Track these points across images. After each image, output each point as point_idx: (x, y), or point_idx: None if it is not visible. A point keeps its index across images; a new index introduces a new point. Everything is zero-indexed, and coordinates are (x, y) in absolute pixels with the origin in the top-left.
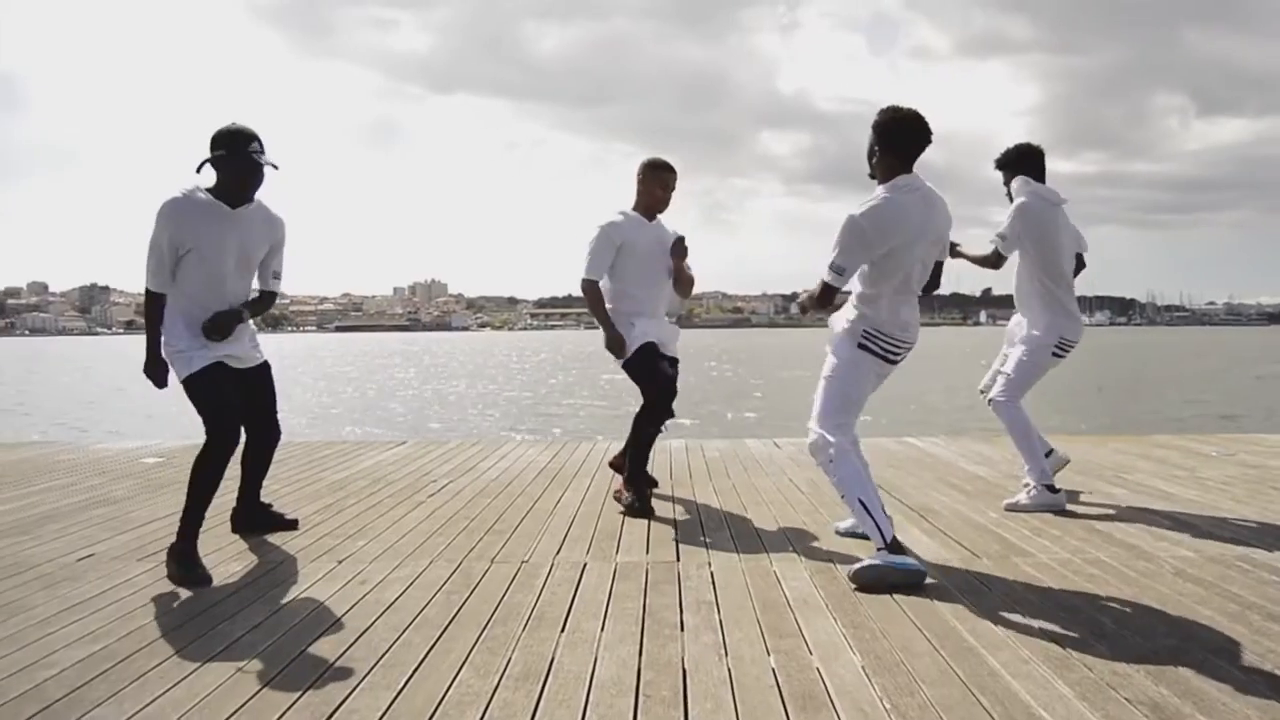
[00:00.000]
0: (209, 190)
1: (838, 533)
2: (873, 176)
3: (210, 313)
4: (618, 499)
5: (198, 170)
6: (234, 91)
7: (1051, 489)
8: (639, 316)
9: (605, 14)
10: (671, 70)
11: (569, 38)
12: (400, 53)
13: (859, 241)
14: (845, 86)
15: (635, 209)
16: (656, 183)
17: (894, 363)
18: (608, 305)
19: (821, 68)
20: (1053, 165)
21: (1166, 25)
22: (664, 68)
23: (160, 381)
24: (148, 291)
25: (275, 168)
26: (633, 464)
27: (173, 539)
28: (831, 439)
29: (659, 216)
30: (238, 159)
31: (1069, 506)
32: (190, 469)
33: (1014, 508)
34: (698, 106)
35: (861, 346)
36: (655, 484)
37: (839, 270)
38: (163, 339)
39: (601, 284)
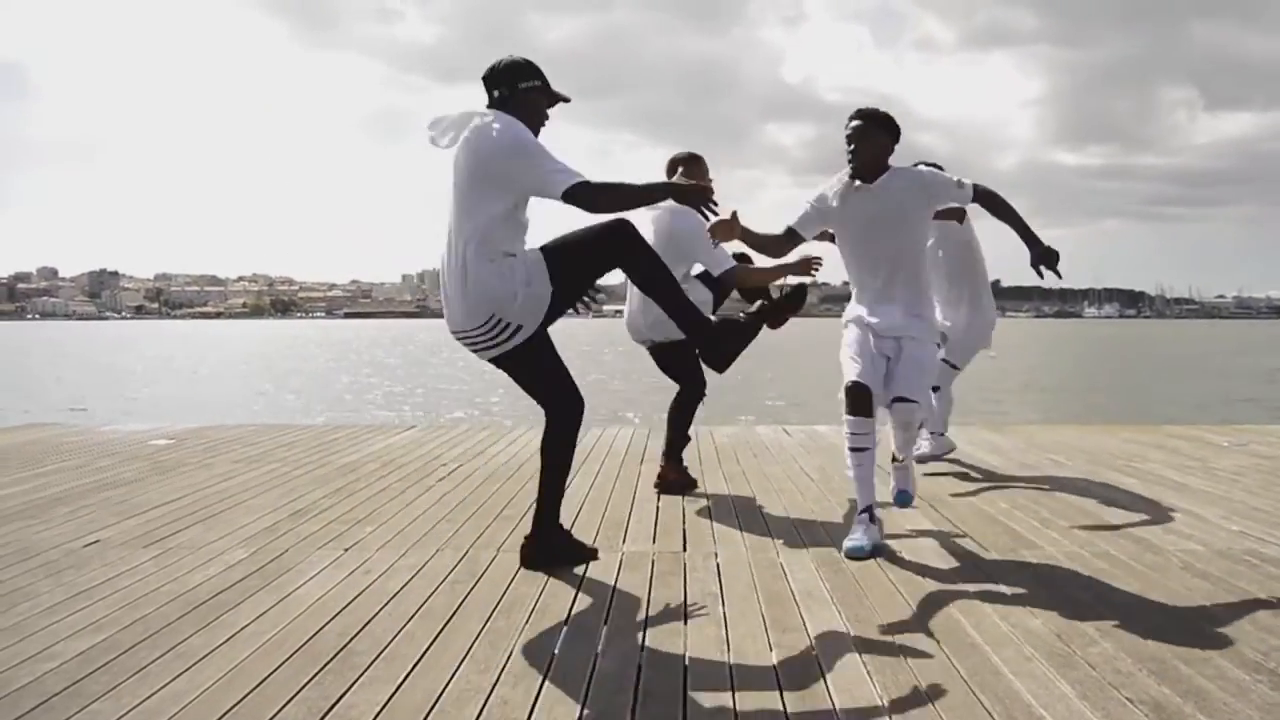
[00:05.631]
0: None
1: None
2: (859, 175)
3: None
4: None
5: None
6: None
7: (940, 434)
8: None
9: (609, 5)
10: (676, 61)
11: (573, 29)
12: (405, 43)
13: None
14: (850, 78)
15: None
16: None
17: None
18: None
19: (827, 59)
20: (1059, 158)
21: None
22: (668, 59)
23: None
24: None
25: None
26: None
27: (180, 525)
28: None
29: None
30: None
31: (1079, 496)
32: (548, 450)
33: (920, 459)
34: (702, 97)
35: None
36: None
37: None
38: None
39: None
